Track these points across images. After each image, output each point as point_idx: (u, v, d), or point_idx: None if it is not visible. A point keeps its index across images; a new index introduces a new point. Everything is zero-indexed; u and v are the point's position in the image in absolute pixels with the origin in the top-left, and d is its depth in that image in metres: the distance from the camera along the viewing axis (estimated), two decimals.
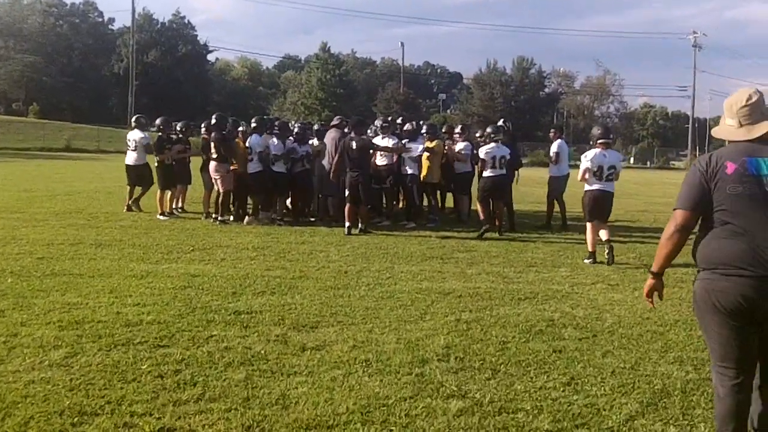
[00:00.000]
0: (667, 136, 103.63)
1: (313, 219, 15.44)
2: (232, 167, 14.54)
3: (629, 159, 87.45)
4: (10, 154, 44.97)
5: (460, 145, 15.60)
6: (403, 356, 6.02)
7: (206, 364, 5.69)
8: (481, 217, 13.94)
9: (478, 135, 15.62)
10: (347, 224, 13.49)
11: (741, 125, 4.08)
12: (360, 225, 13.62)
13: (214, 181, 14.67)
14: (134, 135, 15.95)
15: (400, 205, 16.78)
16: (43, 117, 72.54)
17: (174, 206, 16.22)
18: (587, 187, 11.71)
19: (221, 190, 14.60)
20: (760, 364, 4.14)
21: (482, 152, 14.05)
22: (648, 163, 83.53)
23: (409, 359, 5.95)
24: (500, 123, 16.07)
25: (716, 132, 4.30)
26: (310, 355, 6.01)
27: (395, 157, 14.98)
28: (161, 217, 14.88)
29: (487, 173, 13.95)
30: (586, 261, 11.38)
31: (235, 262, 10.29)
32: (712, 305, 4.00)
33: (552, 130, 16.68)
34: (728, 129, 4.17)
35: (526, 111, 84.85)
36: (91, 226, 13.51)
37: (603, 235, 11.48)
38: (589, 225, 11.67)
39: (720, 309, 3.97)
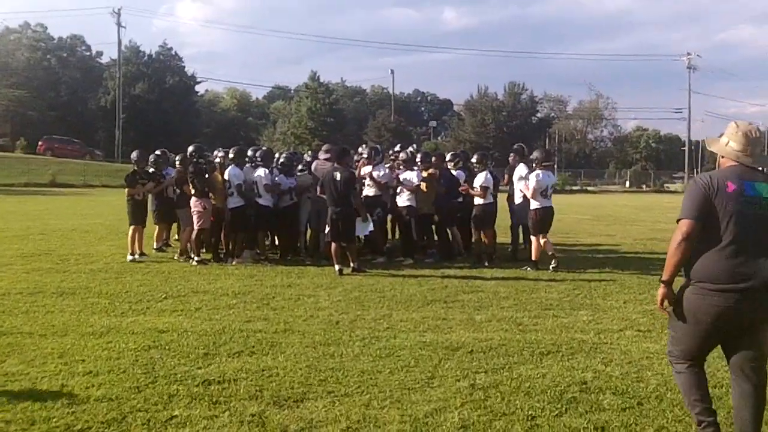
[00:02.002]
0: (660, 158, 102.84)
1: (301, 257, 14.22)
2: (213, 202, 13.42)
3: (624, 183, 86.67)
4: None
5: (480, 177, 13.81)
6: None
7: None
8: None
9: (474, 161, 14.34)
10: (336, 266, 12.25)
11: (747, 153, 4.56)
12: (352, 264, 12.42)
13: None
14: None
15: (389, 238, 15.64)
16: (31, 152, 71.20)
17: (158, 245, 15.26)
18: (536, 205, 13.04)
19: (196, 227, 13.38)
20: (735, 358, 4.65)
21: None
22: (643, 186, 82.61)
23: None
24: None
25: (719, 149, 4.72)
26: None
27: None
28: (129, 258, 13.62)
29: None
30: (528, 269, 12.83)
31: (212, 312, 9.04)
32: (693, 317, 4.53)
33: (512, 154, 15.04)
34: (734, 152, 4.60)
35: (518, 137, 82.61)
36: (58, 271, 12.29)
37: (549, 249, 13.14)
38: (538, 238, 13.10)
39: (704, 320, 4.49)
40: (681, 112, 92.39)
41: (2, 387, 5.89)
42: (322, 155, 14.32)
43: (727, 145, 4.66)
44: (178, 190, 13.92)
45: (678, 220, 4.52)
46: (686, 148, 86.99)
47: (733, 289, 4.36)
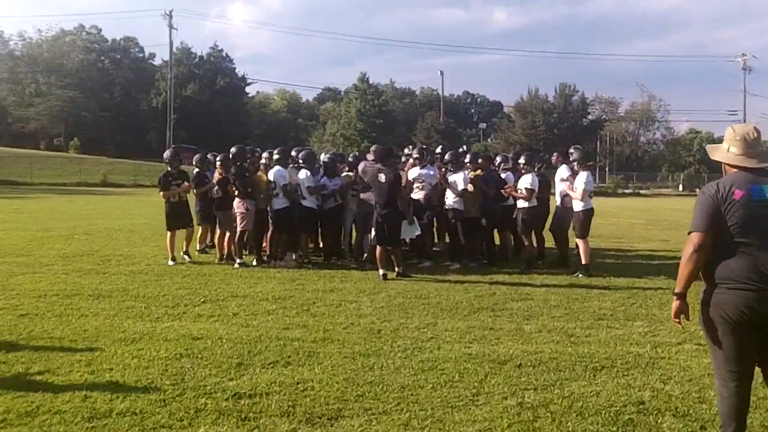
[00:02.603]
0: (713, 162, 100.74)
1: (345, 260, 13.87)
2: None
3: (677, 186, 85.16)
4: (45, 190, 44.21)
5: (526, 179, 13.22)
6: None
7: None
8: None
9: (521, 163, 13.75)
10: (381, 270, 11.87)
11: (749, 156, 4.58)
12: (397, 268, 12.05)
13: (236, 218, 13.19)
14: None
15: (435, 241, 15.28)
16: (84, 152, 72.17)
17: (201, 246, 14.98)
18: (583, 207, 12.62)
19: (239, 229, 13.12)
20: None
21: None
22: (696, 190, 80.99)
23: None
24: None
25: (721, 156, 4.74)
26: None
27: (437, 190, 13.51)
28: (171, 262, 13.18)
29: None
30: (581, 275, 12.35)
31: (249, 318, 8.73)
32: (719, 316, 4.48)
33: (555, 154, 14.67)
34: (736, 157, 4.63)
35: (569, 139, 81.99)
36: (98, 272, 12.10)
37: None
38: (585, 240, 12.64)
39: (726, 319, 4.45)
40: (735, 114, 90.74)
41: (22, 397, 5.60)
42: (369, 156, 13.96)
43: (728, 151, 4.70)
44: (219, 192, 13.58)
45: (689, 233, 4.56)
46: None
47: (749, 288, 4.37)
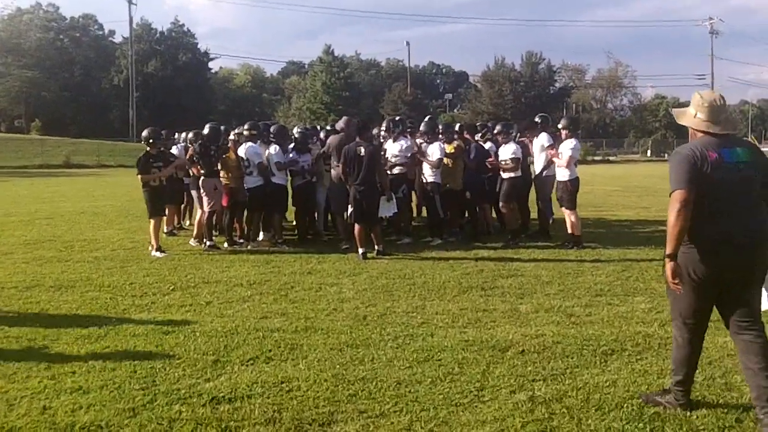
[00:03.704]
0: (679, 126, 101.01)
1: (325, 239, 13.29)
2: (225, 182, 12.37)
3: (645, 152, 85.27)
4: (6, 173, 42.96)
5: (509, 148, 12.74)
6: None
7: None
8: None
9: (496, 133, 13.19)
10: (360, 249, 11.28)
11: (714, 122, 4.69)
12: (377, 247, 11.45)
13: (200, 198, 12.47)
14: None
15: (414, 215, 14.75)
16: (46, 133, 70.62)
17: (168, 229, 14.14)
18: (569, 176, 12.13)
19: (207, 209, 12.29)
20: (732, 316, 4.72)
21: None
22: (664, 155, 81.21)
23: None
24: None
25: (688, 121, 4.84)
26: None
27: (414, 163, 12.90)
28: (157, 254, 11.81)
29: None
30: (574, 247, 11.90)
31: (223, 307, 8.07)
32: (686, 275, 4.59)
33: (527, 133, 13.94)
34: (703, 123, 4.72)
35: (536, 107, 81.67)
36: (60, 260, 11.36)
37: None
38: (574, 211, 12.21)
39: (694, 277, 4.59)
40: (704, 78, 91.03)
41: None
42: (339, 125, 13.27)
43: (695, 116, 4.78)
44: (193, 171, 12.74)
45: (671, 193, 4.54)
46: None
47: (722, 248, 4.52)
